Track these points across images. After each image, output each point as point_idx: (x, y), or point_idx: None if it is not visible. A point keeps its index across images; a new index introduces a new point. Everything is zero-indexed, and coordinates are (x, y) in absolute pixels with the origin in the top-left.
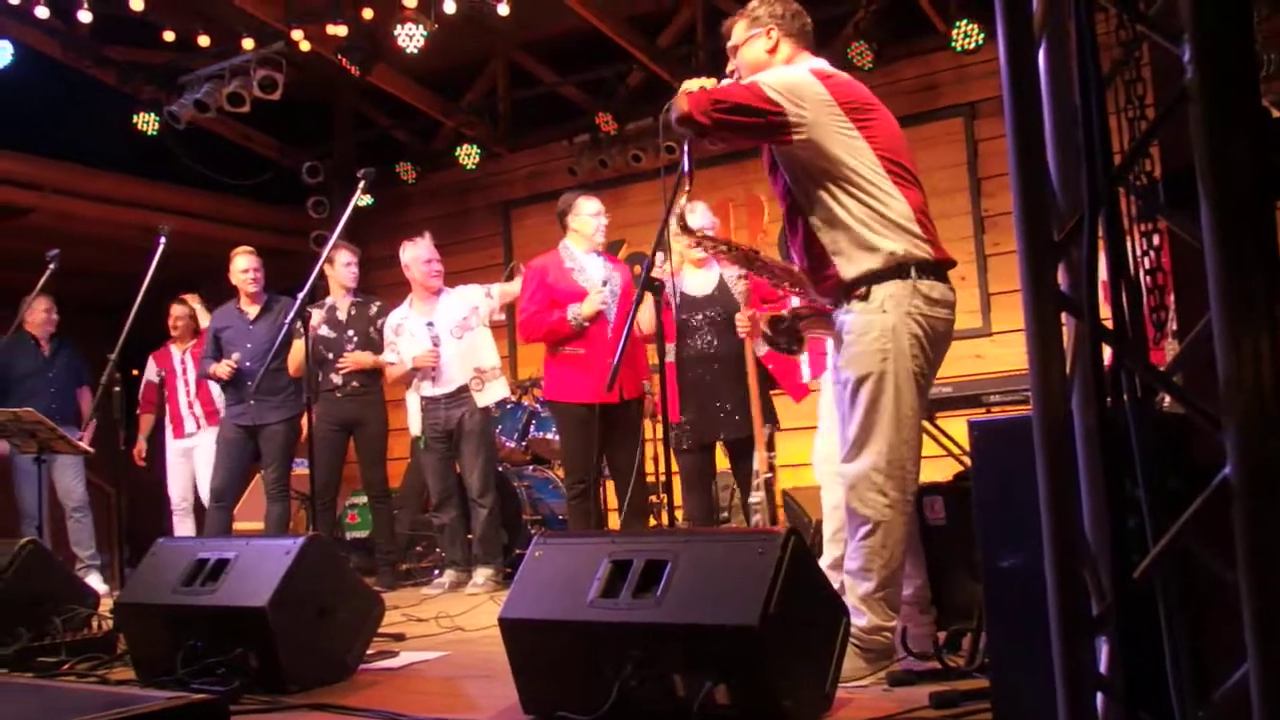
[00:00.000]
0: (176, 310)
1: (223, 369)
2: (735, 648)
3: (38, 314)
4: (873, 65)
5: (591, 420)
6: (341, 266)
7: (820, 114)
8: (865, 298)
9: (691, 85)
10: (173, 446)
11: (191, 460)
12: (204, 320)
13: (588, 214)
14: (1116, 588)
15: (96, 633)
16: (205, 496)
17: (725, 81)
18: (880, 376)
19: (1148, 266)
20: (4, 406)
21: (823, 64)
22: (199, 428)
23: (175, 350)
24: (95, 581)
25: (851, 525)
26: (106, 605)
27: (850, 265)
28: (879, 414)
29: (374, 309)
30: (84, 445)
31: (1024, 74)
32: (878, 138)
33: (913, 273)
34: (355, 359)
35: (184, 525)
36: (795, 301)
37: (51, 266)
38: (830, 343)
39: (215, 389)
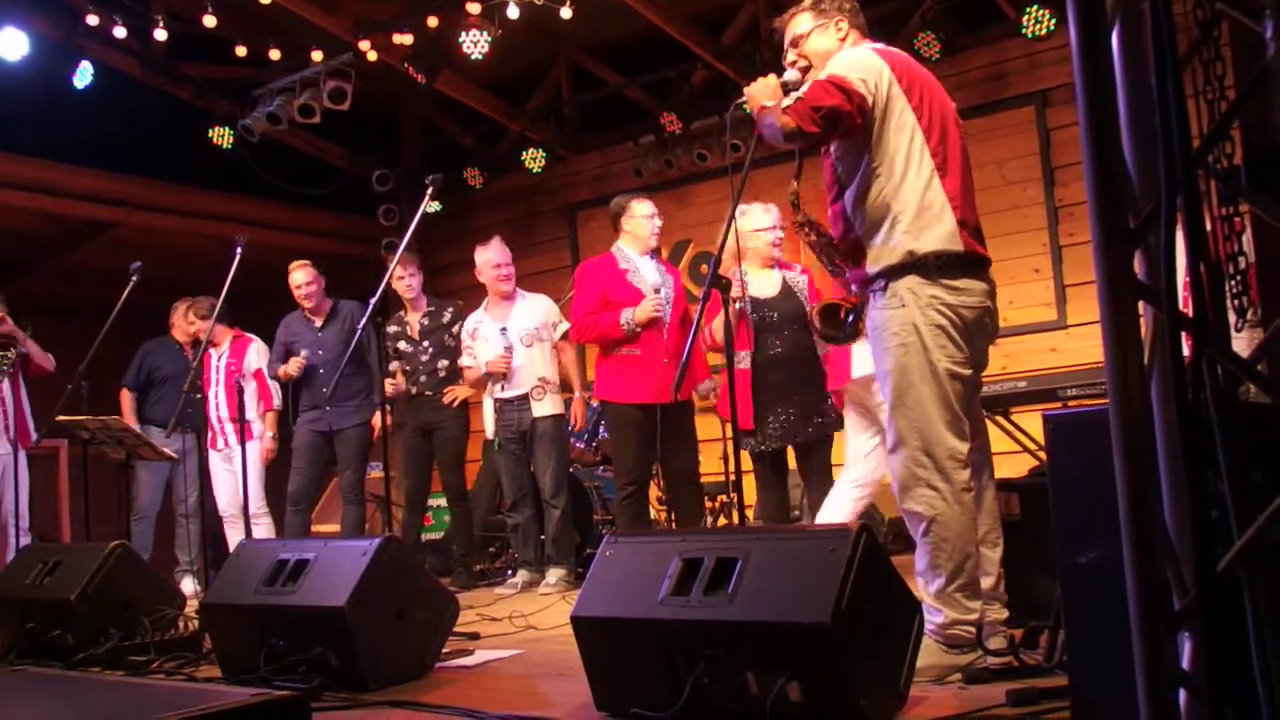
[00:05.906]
0: (202, 311)
1: (293, 366)
2: (807, 645)
3: (175, 317)
4: (940, 55)
5: (644, 421)
6: (396, 281)
7: (882, 92)
8: (884, 291)
9: (756, 87)
10: (212, 456)
11: (235, 469)
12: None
13: (641, 216)
14: (1200, 582)
15: (183, 632)
16: (252, 504)
17: (788, 75)
18: (904, 370)
19: (1229, 252)
20: (145, 406)
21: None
22: (227, 445)
23: (213, 353)
24: (189, 584)
25: (911, 525)
26: (194, 606)
27: (873, 259)
28: (908, 408)
29: (447, 315)
30: (168, 452)
31: (1097, 57)
32: (926, 117)
33: (932, 268)
34: (455, 393)
35: (236, 534)
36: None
37: (134, 279)
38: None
39: (250, 401)
